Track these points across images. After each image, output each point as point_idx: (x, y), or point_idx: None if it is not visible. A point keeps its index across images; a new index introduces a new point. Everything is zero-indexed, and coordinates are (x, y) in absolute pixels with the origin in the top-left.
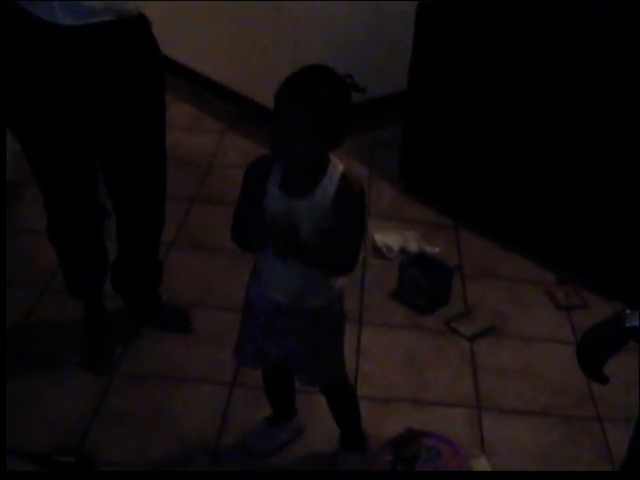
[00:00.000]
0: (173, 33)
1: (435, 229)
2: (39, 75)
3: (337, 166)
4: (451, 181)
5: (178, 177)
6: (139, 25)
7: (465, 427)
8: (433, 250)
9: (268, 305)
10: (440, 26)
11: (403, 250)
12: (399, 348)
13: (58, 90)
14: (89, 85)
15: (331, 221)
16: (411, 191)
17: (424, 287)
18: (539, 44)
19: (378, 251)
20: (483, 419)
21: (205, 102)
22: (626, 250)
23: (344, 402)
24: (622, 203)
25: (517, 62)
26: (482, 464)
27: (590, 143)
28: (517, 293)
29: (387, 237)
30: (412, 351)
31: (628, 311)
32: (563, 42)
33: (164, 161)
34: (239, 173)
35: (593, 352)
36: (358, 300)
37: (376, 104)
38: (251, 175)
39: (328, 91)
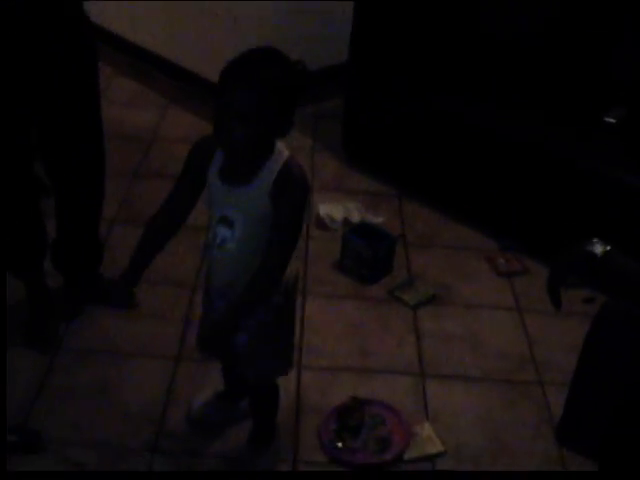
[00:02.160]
0: (113, 5)
1: (378, 199)
2: None
3: (282, 153)
4: (393, 151)
5: (120, 152)
6: None
7: (409, 394)
8: (376, 220)
9: (211, 290)
10: None
11: (346, 221)
12: (343, 318)
13: None
14: (19, 58)
15: (268, 211)
16: (354, 162)
17: (367, 257)
18: (479, 16)
19: (321, 222)
20: (427, 386)
21: (148, 77)
22: (565, 216)
23: (268, 399)
24: (560, 170)
25: (457, 33)
26: (426, 430)
27: (527, 112)
28: (459, 261)
29: (330, 208)
30: (356, 320)
31: (595, 239)
32: (501, 13)
33: (101, 134)
34: (182, 148)
35: (555, 271)
36: (302, 271)
37: (318, 75)
38: (193, 157)
39: (275, 75)
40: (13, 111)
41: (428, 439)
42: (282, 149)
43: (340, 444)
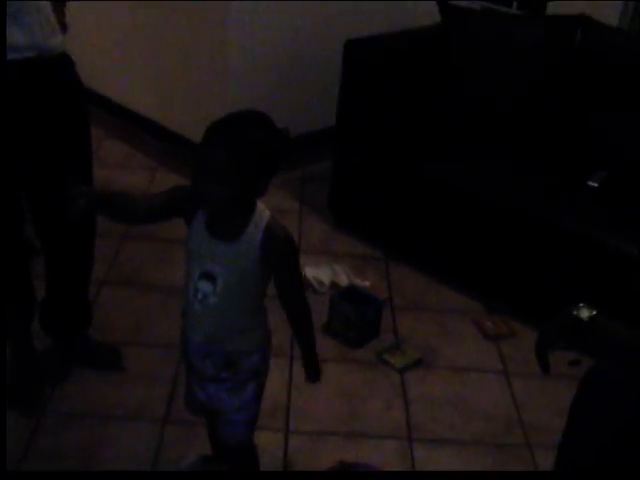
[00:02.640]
0: (103, 70)
1: (365, 262)
2: None
3: (263, 214)
4: (380, 215)
5: None
6: (62, 63)
7: (397, 458)
8: (363, 283)
9: (191, 345)
10: (364, 63)
11: (334, 284)
12: (330, 381)
13: None
14: (11, 121)
15: (254, 268)
16: (341, 225)
17: (354, 321)
18: (464, 82)
19: (309, 285)
20: (415, 450)
21: (136, 139)
22: (551, 279)
23: (248, 462)
24: (545, 233)
25: (441, 98)
26: None
27: (511, 177)
28: (446, 324)
29: (318, 271)
30: (343, 384)
31: (582, 304)
32: (483, 78)
33: None
34: None
35: (544, 335)
36: (289, 334)
37: (306, 139)
38: (180, 196)
39: (255, 137)
40: (4, 174)
41: None
42: (262, 208)
43: None
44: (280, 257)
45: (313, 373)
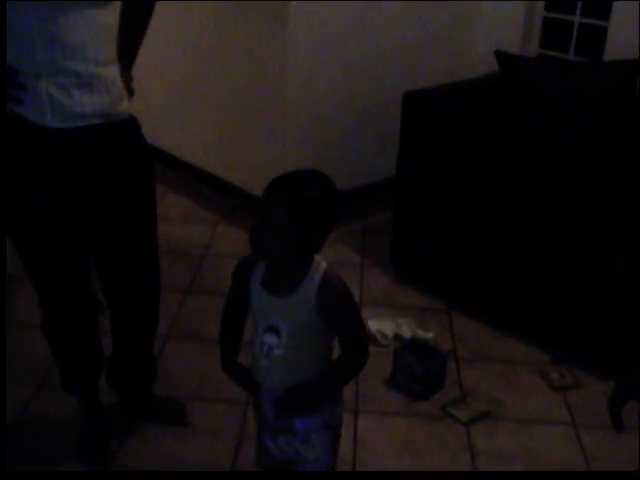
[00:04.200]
0: (167, 127)
1: (428, 314)
2: (30, 175)
3: (319, 265)
4: (442, 265)
5: (172, 268)
6: (128, 126)
7: None
8: (426, 335)
9: (263, 395)
10: (424, 114)
11: (397, 336)
12: (396, 435)
13: (48, 188)
14: (79, 184)
15: (312, 319)
16: (403, 277)
17: (418, 373)
18: (522, 131)
19: (372, 338)
20: None
21: (198, 194)
22: (618, 328)
23: None
24: (610, 282)
25: (498, 146)
26: None
27: (573, 226)
28: (511, 375)
29: (381, 324)
30: (409, 438)
31: None
32: (539, 126)
33: (156, 257)
34: (232, 264)
35: (617, 393)
36: (354, 388)
37: (366, 190)
38: (238, 274)
39: (314, 192)
40: (71, 231)
41: None
42: (319, 260)
43: None
44: (336, 305)
45: (295, 401)
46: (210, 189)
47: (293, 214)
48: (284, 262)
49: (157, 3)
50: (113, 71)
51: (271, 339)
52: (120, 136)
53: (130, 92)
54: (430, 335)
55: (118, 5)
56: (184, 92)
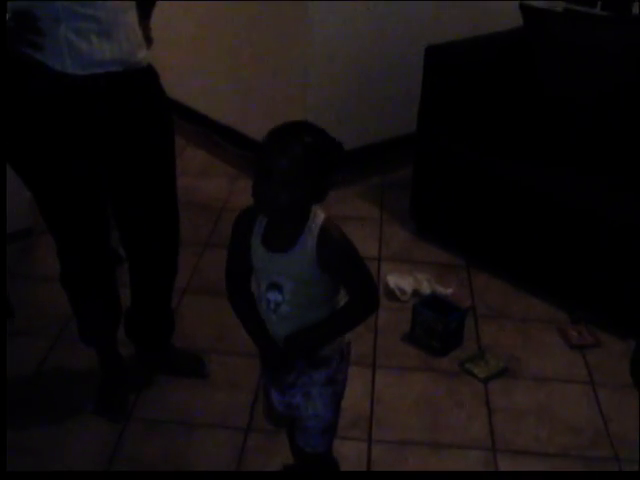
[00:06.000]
0: (185, 80)
1: (447, 270)
2: (50, 123)
3: (317, 217)
4: (462, 222)
5: (191, 222)
6: (147, 76)
7: (481, 469)
8: (446, 292)
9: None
10: (446, 68)
11: (416, 292)
12: (413, 391)
13: (68, 137)
14: (98, 132)
15: (313, 274)
16: (423, 232)
17: (437, 329)
18: (546, 87)
19: (391, 294)
20: (499, 461)
21: (218, 147)
22: (638, 288)
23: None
24: (633, 239)
25: (521, 101)
26: None
27: (600, 179)
28: (530, 333)
29: (400, 279)
30: (426, 394)
31: None
32: (566, 81)
33: (176, 208)
34: None
35: (637, 355)
36: (372, 343)
37: (386, 146)
38: (236, 229)
39: (314, 141)
40: (92, 183)
41: None
42: (316, 211)
43: None
44: (336, 255)
45: (287, 348)
46: (229, 143)
47: (300, 163)
48: (290, 216)
49: None
50: (132, 19)
51: (275, 296)
52: (139, 84)
53: (149, 41)
54: (449, 291)
55: None
56: (202, 44)
